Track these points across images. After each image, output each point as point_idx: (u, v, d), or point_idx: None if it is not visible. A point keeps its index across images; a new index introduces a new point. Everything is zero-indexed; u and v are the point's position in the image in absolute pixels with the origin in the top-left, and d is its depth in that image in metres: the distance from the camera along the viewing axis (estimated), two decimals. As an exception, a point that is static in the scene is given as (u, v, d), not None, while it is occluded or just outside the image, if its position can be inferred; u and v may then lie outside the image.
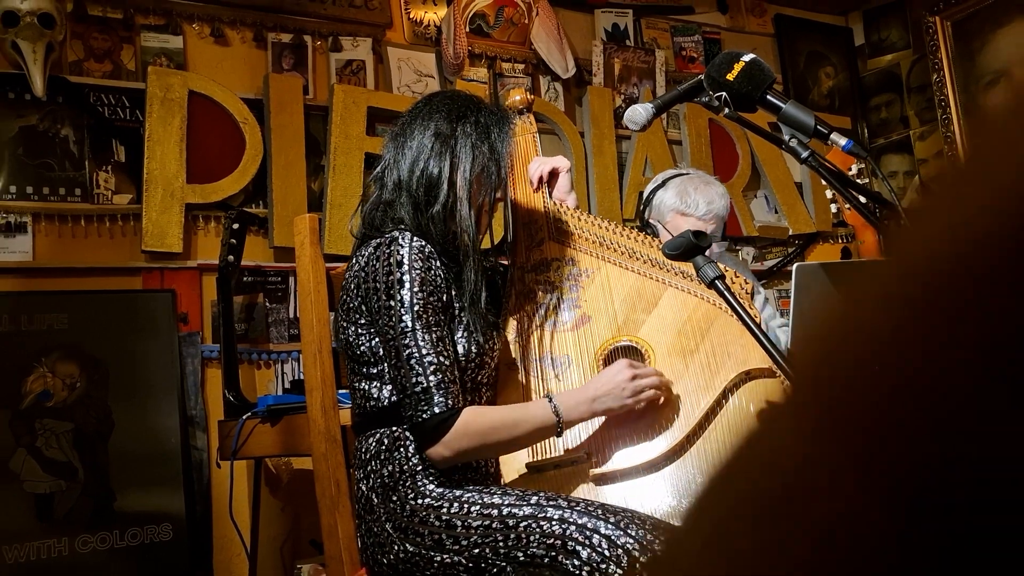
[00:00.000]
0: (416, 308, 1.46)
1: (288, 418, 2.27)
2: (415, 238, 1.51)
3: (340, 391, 1.78)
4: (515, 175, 1.89)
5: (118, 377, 2.68)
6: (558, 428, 1.51)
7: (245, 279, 2.96)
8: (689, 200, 2.32)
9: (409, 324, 1.45)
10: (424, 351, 1.44)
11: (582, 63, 3.73)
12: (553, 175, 1.89)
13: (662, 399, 1.60)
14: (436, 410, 1.42)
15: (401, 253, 1.48)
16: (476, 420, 1.45)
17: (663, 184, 2.40)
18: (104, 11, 2.90)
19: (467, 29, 3.45)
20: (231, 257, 2.70)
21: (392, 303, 1.46)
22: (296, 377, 2.95)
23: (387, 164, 1.63)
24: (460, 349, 1.51)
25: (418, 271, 1.48)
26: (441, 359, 1.45)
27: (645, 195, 2.47)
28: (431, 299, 1.48)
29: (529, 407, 1.54)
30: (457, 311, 1.53)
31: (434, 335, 1.46)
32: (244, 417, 2.34)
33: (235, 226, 2.74)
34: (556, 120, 3.58)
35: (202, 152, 2.94)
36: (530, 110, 1.98)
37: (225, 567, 2.76)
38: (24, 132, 2.72)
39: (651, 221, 2.40)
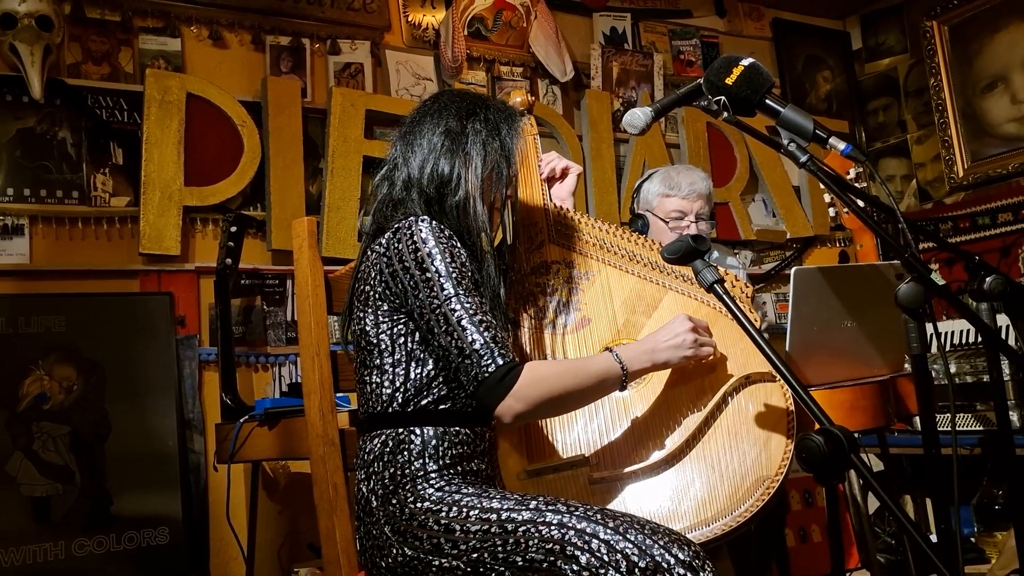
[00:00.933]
0: (454, 275, 1.46)
1: (286, 421, 2.27)
2: (432, 220, 1.51)
3: (338, 394, 1.78)
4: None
5: (115, 380, 2.67)
6: (623, 379, 1.51)
7: (243, 282, 2.95)
8: (672, 182, 2.46)
9: (451, 290, 1.45)
10: (471, 310, 1.44)
11: (580, 66, 3.73)
12: (563, 174, 1.90)
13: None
14: (500, 361, 1.41)
15: (424, 232, 1.49)
16: (542, 368, 1.46)
17: (649, 177, 2.56)
18: (102, 13, 2.90)
19: (465, 32, 3.45)
20: (229, 260, 2.70)
21: (429, 275, 1.46)
22: (293, 380, 2.95)
23: (396, 163, 1.62)
24: None
25: (445, 245, 1.49)
26: (489, 318, 1.46)
27: (634, 190, 2.61)
28: (463, 268, 1.49)
29: (592, 358, 1.55)
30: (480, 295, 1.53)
31: (476, 299, 1.47)
32: (241, 420, 2.34)
33: (233, 229, 2.74)
34: (554, 123, 3.58)
35: (200, 155, 2.94)
36: (530, 112, 1.98)
37: (222, 570, 2.75)
38: (22, 134, 2.72)
39: (640, 212, 2.51)
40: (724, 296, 1.30)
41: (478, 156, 1.57)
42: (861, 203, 1.78)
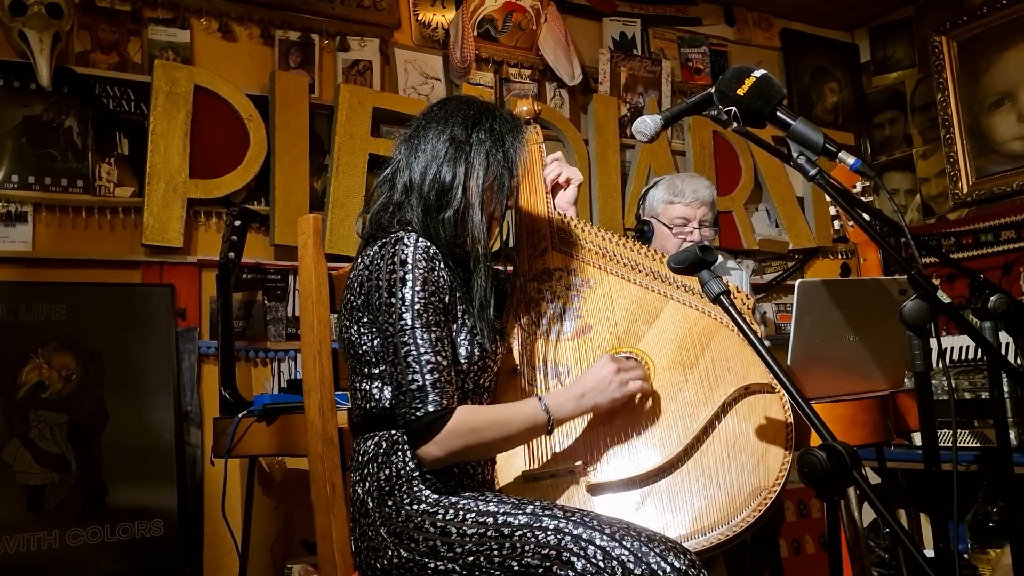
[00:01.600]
0: (417, 307, 1.46)
1: (284, 418, 2.26)
2: (421, 239, 1.51)
3: (337, 392, 1.77)
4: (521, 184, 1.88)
5: (114, 370, 2.67)
6: (548, 426, 1.51)
7: (245, 276, 2.95)
8: (676, 190, 2.55)
9: (409, 322, 1.45)
10: (422, 349, 1.44)
11: (588, 71, 3.73)
12: (566, 183, 1.91)
13: (646, 398, 1.62)
14: (430, 408, 1.42)
15: (406, 252, 1.48)
16: (468, 420, 1.45)
17: (655, 184, 2.64)
18: (112, 3, 2.90)
19: (475, 33, 3.45)
20: (232, 254, 2.70)
21: (393, 300, 1.46)
22: (293, 376, 2.95)
23: (398, 166, 1.62)
24: (463, 352, 1.51)
25: (421, 271, 1.48)
26: (439, 359, 1.45)
27: (640, 197, 2.69)
28: (432, 299, 1.48)
29: (520, 406, 1.54)
30: (461, 314, 1.53)
31: (433, 335, 1.46)
32: (240, 415, 2.33)
33: (237, 223, 2.73)
34: (561, 127, 3.58)
35: (206, 147, 2.94)
36: (537, 120, 1.98)
37: (215, 565, 2.75)
38: (28, 121, 2.72)
39: (646, 218, 2.59)
40: (730, 308, 1.30)
41: (480, 166, 1.57)
42: (867, 217, 1.78)
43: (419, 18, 3.42)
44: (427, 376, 1.43)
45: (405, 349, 1.44)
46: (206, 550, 2.74)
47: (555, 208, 1.88)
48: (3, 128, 2.68)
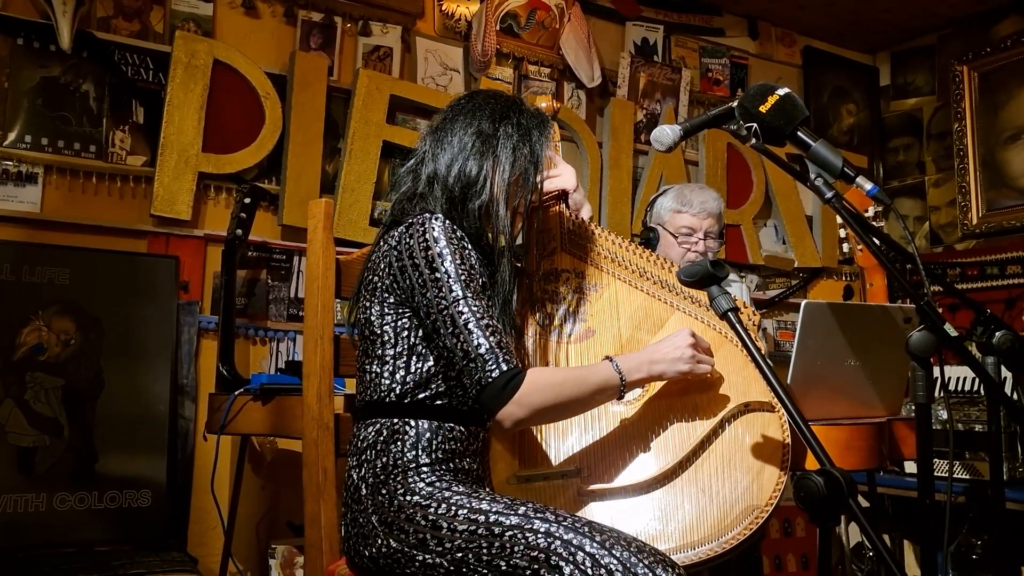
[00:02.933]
0: (463, 277, 1.47)
1: (280, 399, 2.26)
2: (446, 220, 1.51)
3: (335, 378, 1.77)
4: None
5: (113, 338, 2.66)
6: (621, 387, 1.51)
7: (250, 254, 2.95)
8: (684, 199, 2.57)
9: (460, 292, 1.45)
10: (479, 315, 1.45)
11: (608, 74, 3.72)
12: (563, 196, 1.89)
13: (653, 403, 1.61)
14: (504, 367, 1.42)
15: (436, 231, 1.49)
16: (544, 376, 1.46)
17: (663, 192, 2.67)
18: (138, -30, 2.89)
19: (497, 27, 3.45)
20: (239, 230, 2.70)
21: (438, 275, 1.47)
22: (291, 357, 2.94)
23: (423, 158, 1.62)
24: None
25: (455, 246, 1.49)
26: (495, 323, 1.46)
27: (648, 204, 2.72)
28: (472, 271, 1.49)
29: (592, 367, 1.55)
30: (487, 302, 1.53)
31: (483, 301, 1.47)
32: (236, 393, 2.33)
33: (246, 200, 2.73)
34: (576, 128, 3.57)
35: (221, 122, 2.93)
36: (555, 119, 1.97)
37: (200, 539, 2.75)
38: (46, 83, 2.71)
39: (652, 225, 2.63)
40: (737, 325, 1.30)
41: (507, 160, 1.57)
42: (877, 241, 1.78)
43: (443, 8, 3.41)
44: (491, 338, 1.43)
45: (463, 318, 1.44)
46: (192, 524, 2.75)
47: (567, 208, 1.87)
48: (20, 88, 2.68)
